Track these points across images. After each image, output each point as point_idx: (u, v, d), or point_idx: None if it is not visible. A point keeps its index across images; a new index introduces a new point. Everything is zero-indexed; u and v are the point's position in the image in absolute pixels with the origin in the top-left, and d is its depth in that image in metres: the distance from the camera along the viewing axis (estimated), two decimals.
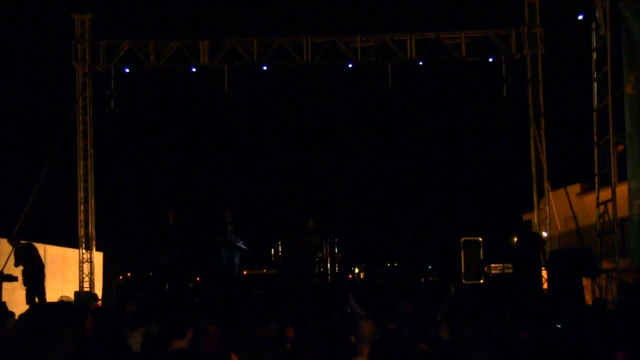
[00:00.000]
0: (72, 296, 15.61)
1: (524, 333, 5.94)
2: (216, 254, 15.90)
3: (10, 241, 14.15)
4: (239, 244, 15.89)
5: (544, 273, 15.51)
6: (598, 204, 14.09)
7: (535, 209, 16.72)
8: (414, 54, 16.86)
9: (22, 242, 14.21)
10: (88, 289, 16.78)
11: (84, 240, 17.03)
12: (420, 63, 16.92)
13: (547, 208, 16.53)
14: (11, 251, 14.25)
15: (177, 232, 15.83)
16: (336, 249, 17.26)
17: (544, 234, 16.66)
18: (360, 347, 4.56)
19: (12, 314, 7.81)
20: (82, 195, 17.08)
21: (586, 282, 14.28)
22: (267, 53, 17.01)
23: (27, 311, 5.98)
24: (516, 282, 15.04)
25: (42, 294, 14.22)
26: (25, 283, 14.07)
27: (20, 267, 14.13)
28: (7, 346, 4.91)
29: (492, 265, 16.35)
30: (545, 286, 15.15)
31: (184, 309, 5.23)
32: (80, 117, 17.17)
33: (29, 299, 13.94)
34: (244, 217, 18.61)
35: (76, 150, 17.12)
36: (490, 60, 16.96)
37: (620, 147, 13.46)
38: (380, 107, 17.89)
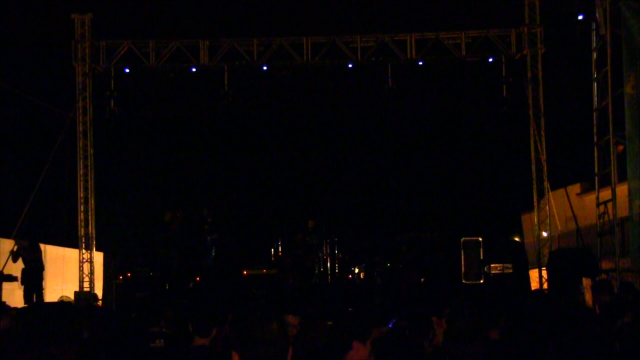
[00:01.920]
0: (72, 296, 15.62)
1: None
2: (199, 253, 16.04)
3: (17, 240, 14.19)
4: (209, 243, 15.94)
5: (544, 273, 15.54)
6: (598, 204, 14.08)
7: (535, 209, 16.72)
8: (414, 54, 16.87)
9: (25, 241, 14.26)
10: (88, 289, 16.79)
11: (84, 240, 17.03)
12: (420, 63, 16.94)
13: (547, 208, 16.53)
14: (11, 250, 14.26)
15: (177, 233, 15.90)
16: (336, 249, 17.27)
17: (544, 234, 16.66)
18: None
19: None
20: (82, 195, 17.08)
21: (586, 282, 14.27)
22: (267, 53, 17.02)
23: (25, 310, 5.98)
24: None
25: (40, 294, 14.24)
26: (23, 282, 14.06)
27: (21, 267, 14.14)
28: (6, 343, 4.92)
29: (492, 265, 16.36)
30: (545, 286, 15.19)
31: (211, 307, 5.30)
32: (80, 117, 17.17)
33: (27, 298, 13.95)
34: (243, 217, 18.64)
35: (76, 150, 17.13)
36: (490, 60, 16.98)
37: (620, 147, 13.44)
38: (380, 107, 17.89)
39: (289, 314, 5.24)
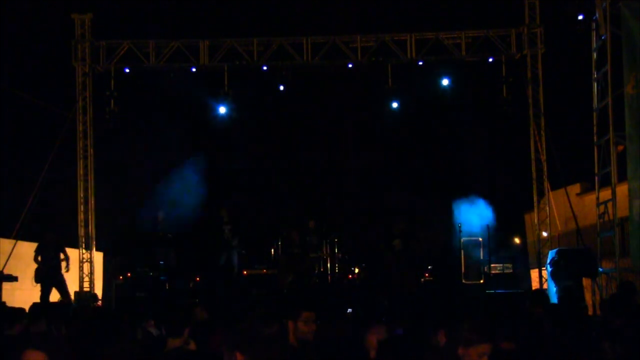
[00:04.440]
0: (72, 296, 15.61)
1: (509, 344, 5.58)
2: (214, 254, 15.98)
3: (47, 235, 14.18)
4: (236, 244, 15.96)
5: (544, 273, 15.54)
6: (598, 204, 14.10)
7: (535, 209, 16.73)
8: (414, 54, 16.88)
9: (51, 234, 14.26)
10: (88, 289, 16.79)
11: (84, 240, 17.03)
12: (420, 63, 16.94)
13: (547, 208, 16.54)
14: (11, 251, 14.25)
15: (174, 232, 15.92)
16: (336, 249, 17.24)
17: (544, 234, 16.67)
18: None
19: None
20: (82, 195, 17.09)
21: (586, 282, 14.30)
22: (267, 53, 17.02)
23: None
24: None
25: (65, 292, 14.18)
26: (38, 280, 13.94)
27: (22, 266, 14.11)
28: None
29: (492, 265, 16.34)
30: (545, 286, 15.19)
31: (182, 308, 5.26)
32: (80, 117, 17.18)
33: (44, 298, 13.86)
34: (243, 216, 18.61)
35: (76, 150, 17.12)
36: (490, 60, 16.98)
37: (620, 147, 13.46)
38: (380, 107, 17.89)
39: (304, 310, 5.07)
